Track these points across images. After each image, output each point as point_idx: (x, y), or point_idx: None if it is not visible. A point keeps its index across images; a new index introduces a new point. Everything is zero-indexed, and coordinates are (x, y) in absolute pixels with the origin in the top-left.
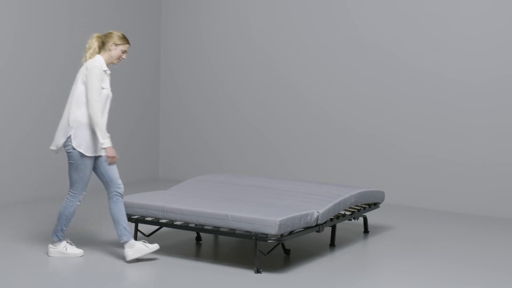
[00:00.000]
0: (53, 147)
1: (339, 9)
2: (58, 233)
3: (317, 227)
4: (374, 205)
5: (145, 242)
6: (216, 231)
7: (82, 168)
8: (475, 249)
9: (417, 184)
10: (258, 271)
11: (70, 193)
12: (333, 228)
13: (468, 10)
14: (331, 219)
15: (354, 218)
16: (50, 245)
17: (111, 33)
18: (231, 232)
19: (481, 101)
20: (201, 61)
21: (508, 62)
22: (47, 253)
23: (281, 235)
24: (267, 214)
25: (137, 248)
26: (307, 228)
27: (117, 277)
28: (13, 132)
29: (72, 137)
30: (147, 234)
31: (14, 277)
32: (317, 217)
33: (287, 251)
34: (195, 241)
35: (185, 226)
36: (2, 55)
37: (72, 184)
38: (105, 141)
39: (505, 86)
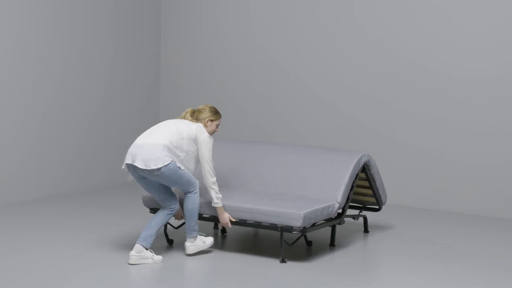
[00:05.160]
0: (142, 166)
1: (343, 6)
2: (195, 227)
3: (338, 219)
4: (374, 205)
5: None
6: (243, 223)
7: (184, 170)
8: (475, 249)
9: (417, 184)
10: (283, 261)
11: (194, 191)
12: (333, 228)
13: (473, 6)
14: (332, 219)
15: (354, 218)
16: (189, 243)
17: (204, 109)
18: (258, 224)
19: (484, 100)
20: (201, 60)
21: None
22: (185, 251)
23: (304, 227)
24: (292, 207)
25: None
26: (329, 220)
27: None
28: (16, 131)
29: (171, 164)
30: (175, 226)
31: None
32: (338, 207)
33: (309, 243)
34: (221, 234)
35: (213, 219)
36: (3, 55)
37: (188, 183)
38: (220, 202)
39: (508, 84)
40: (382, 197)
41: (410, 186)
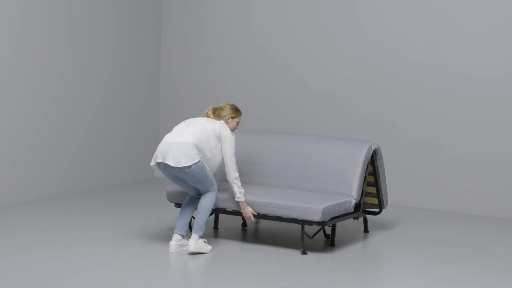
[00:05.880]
0: (173, 164)
1: (343, 6)
2: (203, 226)
3: (356, 213)
4: (375, 208)
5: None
6: (265, 217)
7: (208, 171)
8: (475, 249)
9: (417, 184)
10: (304, 253)
11: (213, 191)
12: (333, 228)
13: (473, 6)
14: (350, 214)
15: (354, 218)
16: (192, 241)
17: (225, 106)
18: (279, 218)
19: (484, 100)
20: (202, 60)
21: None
22: (188, 250)
23: (323, 221)
24: (311, 202)
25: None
26: (346, 214)
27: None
28: (16, 131)
29: (199, 162)
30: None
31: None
32: (354, 204)
33: (327, 236)
34: (241, 227)
35: (235, 212)
36: (3, 55)
37: (210, 183)
38: (242, 195)
39: (509, 84)
40: (384, 197)
41: (410, 186)
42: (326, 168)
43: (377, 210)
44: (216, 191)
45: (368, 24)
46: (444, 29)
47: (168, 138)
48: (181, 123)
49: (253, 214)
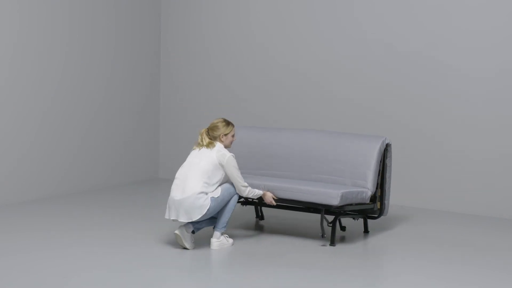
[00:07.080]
0: (188, 220)
1: (343, 6)
2: (225, 225)
3: (372, 204)
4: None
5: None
6: (285, 200)
7: (220, 196)
8: (475, 249)
9: (417, 184)
10: (323, 236)
11: (235, 194)
12: (333, 228)
13: (473, 6)
14: (366, 205)
15: (354, 218)
16: (215, 239)
17: (216, 126)
18: (299, 202)
19: (484, 99)
20: (202, 60)
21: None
22: (210, 246)
23: (341, 206)
24: (330, 188)
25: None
26: (362, 204)
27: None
28: (16, 131)
29: (210, 203)
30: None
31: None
32: (370, 195)
33: (343, 228)
34: (259, 220)
35: (257, 200)
36: (3, 55)
37: (228, 196)
38: (259, 192)
39: (509, 84)
40: (386, 202)
41: (410, 186)
42: (341, 162)
43: (376, 215)
44: (236, 194)
45: (368, 24)
46: (444, 29)
47: (176, 194)
48: (182, 166)
49: (274, 199)
